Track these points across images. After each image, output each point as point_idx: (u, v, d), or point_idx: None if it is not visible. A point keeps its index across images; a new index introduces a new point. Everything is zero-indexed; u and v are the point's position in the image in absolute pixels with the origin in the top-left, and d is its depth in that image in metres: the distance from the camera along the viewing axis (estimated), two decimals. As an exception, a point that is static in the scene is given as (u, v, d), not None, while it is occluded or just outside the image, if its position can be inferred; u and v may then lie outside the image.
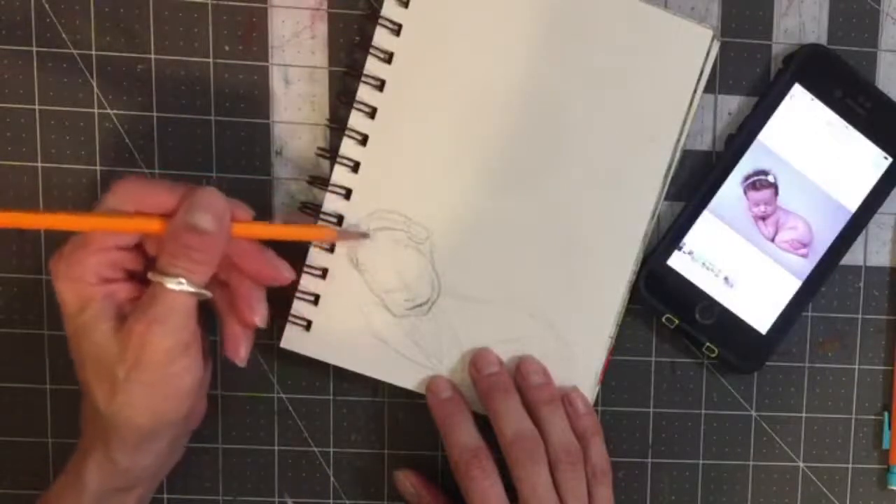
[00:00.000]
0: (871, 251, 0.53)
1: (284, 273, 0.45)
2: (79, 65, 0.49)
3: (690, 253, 0.50)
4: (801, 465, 0.53)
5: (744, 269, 0.51)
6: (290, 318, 0.49)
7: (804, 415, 0.53)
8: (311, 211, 0.49)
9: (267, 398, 0.51)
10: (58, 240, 0.43)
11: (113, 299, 0.42)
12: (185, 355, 0.42)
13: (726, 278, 0.51)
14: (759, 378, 0.53)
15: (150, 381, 0.41)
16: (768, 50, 0.51)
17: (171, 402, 0.43)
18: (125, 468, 0.43)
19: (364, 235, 0.48)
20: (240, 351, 0.45)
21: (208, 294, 0.42)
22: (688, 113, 0.49)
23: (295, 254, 0.49)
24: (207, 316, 0.45)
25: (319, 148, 0.50)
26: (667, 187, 0.50)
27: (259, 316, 0.45)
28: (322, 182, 0.49)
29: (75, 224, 0.42)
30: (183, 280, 0.41)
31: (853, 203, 0.51)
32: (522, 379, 0.49)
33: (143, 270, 0.43)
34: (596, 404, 0.51)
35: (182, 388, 0.43)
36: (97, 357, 0.42)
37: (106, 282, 0.42)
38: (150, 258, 0.43)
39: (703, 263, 0.50)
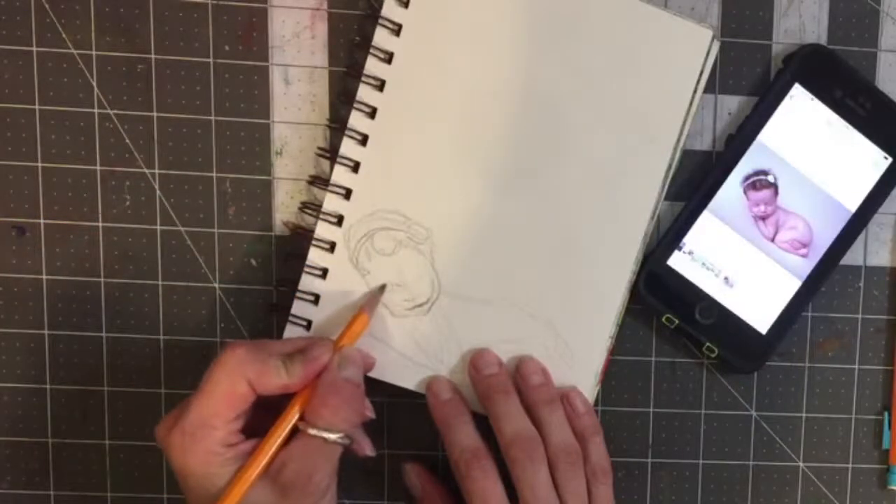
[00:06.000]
0: (871, 251, 0.53)
1: (366, 449, 0.47)
2: (79, 65, 0.49)
3: (690, 253, 0.50)
4: (801, 465, 0.53)
5: (744, 269, 0.51)
6: (290, 318, 0.49)
7: (804, 415, 0.53)
8: (312, 211, 0.49)
9: (267, 398, 0.51)
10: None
11: (239, 456, 0.43)
12: (329, 490, 0.44)
13: (726, 278, 0.51)
14: (759, 378, 0.53)
15: None
16: (768, 50, 0.51)
17: None
18: None
19: (380, 291, 0.49)
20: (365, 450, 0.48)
21: (349, 441, 0.44)
22: (688, 113, 0.49)
23: (295, 253, 0.49)
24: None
25: (319, 148, 0.50)
26: (667, 187, 0.50)
27: (368, 447, 0.47)
28: (322, 182, 0.49)
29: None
30: (342, 432, 0.43)
31: (853, 203, 0.51)
32: (522, 379, 0.49)
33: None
34: (596, 404, 0.51)
35: None
36: None
37: (231, 446, 0.43)
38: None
39: (703, 263, 0.50)
